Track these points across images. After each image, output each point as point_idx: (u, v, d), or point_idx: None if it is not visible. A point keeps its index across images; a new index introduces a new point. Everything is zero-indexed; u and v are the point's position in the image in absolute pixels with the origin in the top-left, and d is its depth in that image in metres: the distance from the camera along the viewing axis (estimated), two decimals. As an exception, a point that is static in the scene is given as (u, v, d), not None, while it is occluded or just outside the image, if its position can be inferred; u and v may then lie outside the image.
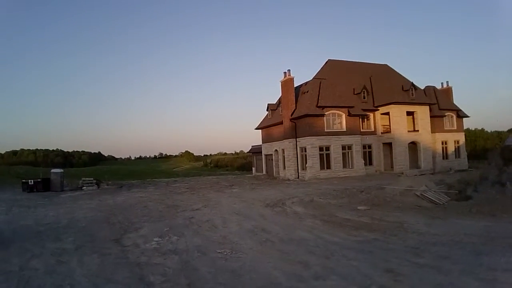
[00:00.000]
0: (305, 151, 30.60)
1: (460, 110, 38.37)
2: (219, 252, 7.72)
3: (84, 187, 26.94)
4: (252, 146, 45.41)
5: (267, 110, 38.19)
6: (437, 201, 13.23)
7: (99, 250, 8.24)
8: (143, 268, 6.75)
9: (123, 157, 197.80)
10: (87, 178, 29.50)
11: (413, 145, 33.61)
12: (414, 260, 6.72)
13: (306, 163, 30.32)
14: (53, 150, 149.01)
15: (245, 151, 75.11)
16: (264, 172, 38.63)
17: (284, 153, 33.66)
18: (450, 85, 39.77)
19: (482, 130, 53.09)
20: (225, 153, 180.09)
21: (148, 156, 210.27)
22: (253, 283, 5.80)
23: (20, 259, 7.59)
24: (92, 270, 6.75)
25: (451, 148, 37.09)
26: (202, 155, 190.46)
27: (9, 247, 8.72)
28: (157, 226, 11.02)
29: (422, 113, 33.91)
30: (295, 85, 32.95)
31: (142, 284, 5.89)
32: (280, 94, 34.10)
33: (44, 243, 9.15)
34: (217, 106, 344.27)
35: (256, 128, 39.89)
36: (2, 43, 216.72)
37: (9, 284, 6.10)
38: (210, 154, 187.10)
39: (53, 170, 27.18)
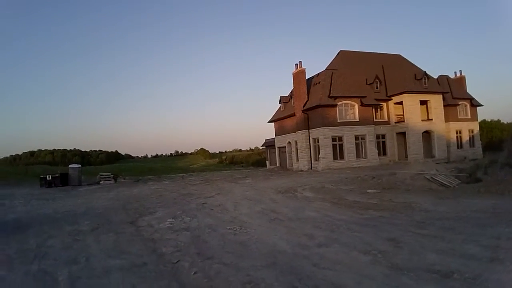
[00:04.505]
0: (318, 142, 30.69)
1: (474, 98, 37.85)
2: (229, 229, 8.04)
3: (102, 182, 27.55)
4: (265, 139, 45.54)
5: (279, 103, 38.35)
6: (448, 184, 13.27)
7: (115, 230, 8.64)
8: (156, 242, 7.12)
9: (139, 156, 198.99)
10: (104, 173, 30.17)
11: (427, 135, 33.34)
12: (418, 231, 6.90)
13: (319, 154, 30.42)
14: (70, 149, 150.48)
15: (260, 147, 75.18)
16: (277, 165, 38.84)
17: (297, 144, 33.79)
18: (463, 74, 39.28)
19: (498, 121, 51.44)
20: (240, 149, 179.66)
21: (164, 154, 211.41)
22: (259, 251, 6.09)
23: (37, 240, 7.88)
24: (107, 245, 7.12)
25: (465, 137, 36.61)
26: (217, 152, 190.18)
27: (26, 231, 8.97)
28: (171, 211, 11.40)
29: (436, 102, 33.61)
30: (306, 77, 33.06)
31: (155, 255, 6.23)
32: (292, 87, 34.25)
33: (61, 226, 9.50)
34: (231, 102, 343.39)
35: (269, 121, 40.09)
36: (18, 45, 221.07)
37: (26, 259, 6.36)
38: (225, 151, 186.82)
39: (71, 165, 27.84)
